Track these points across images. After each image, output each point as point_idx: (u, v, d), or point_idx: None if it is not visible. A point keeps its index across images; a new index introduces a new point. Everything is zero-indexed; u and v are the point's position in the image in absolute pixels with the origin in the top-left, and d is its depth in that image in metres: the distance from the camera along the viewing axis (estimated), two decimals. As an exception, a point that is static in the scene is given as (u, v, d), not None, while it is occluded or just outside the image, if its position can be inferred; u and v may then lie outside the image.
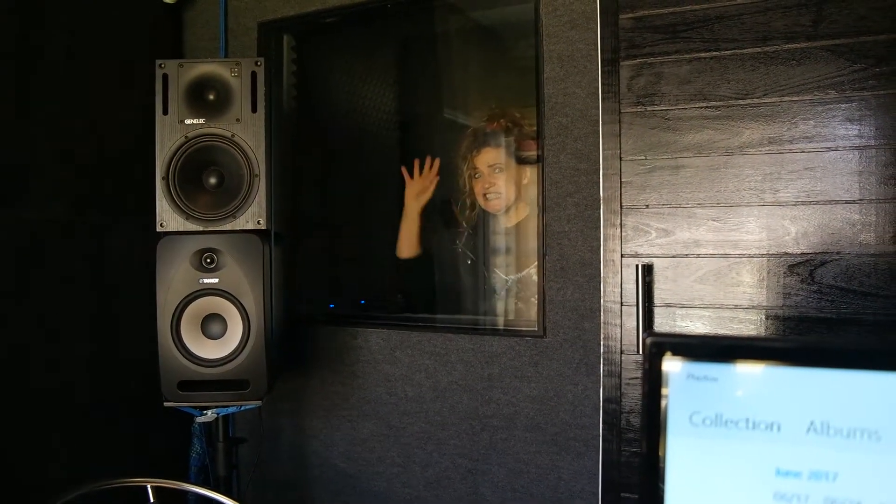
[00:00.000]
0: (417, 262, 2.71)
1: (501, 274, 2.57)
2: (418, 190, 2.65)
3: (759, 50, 1.83)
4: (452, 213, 2.72)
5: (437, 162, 2.64)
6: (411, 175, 2.66)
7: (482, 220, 2.63)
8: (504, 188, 2.52)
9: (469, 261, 2.66)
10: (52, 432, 2.20)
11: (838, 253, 1.75)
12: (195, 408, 2.22)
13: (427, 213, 2.68)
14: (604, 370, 2.02)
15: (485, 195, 2.55)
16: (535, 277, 2.42)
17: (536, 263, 2.26)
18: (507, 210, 2.55)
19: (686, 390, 0.79)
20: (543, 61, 2.18)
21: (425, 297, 2.79)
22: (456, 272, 2.70)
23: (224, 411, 2.26)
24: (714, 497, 0.80)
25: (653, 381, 0.80)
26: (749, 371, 0.78)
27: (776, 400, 0.76)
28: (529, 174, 2.48)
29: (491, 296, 2.60)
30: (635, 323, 1.96)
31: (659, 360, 0.79)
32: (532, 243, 2.35)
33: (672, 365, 0.79)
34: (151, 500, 1.79)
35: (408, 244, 2.69)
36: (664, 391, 0.80)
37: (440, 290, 2.76)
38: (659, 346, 0.79)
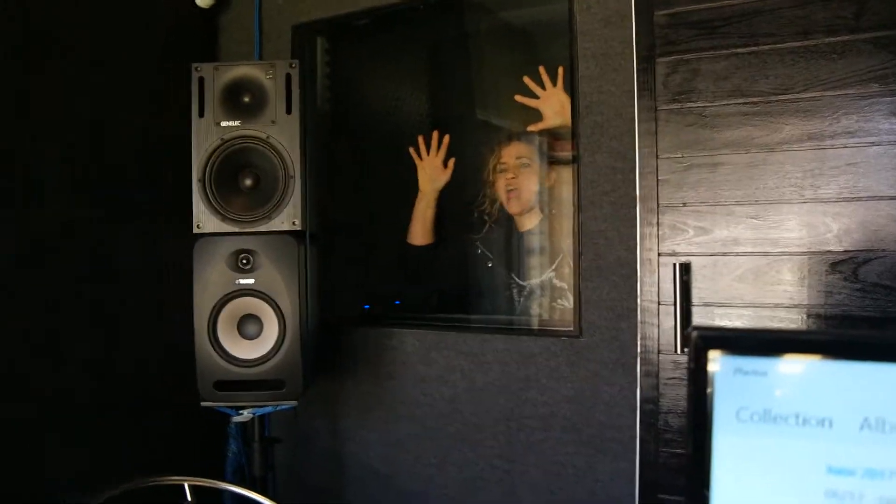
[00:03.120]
0: (430, 250, 2.66)
1: (518, 279, 2.54)
2: (432, 172, 2.60)
3: (798, 44, 1.79)
4: (474, 214, 2.65)
5: (446, 139, 2.59)
6: (419, 155, 2.62)
7: (503, 222, 2.59)
8: (525, 188, 2.48)
9: (489, 263, 2.61)
10: (85, 432, 2.21)
11: (883, 250, 1.71)
12: (231, 408, 2.23)
13: (445, 204, 2.64)
14: (641, 370, 2.00)
15: (507, 191, 2.49)
16: (554, 282, 2.39)
17: (553, 267, 2.22)
18: (522, 213, 2.51)
19: (733, 385, 0.77)
20: (578, 60, 2.17)
21: (438, 292, 2.76)
22: (473, 273, 2.66)
23: (260, 411, 2.27)
24: (762, 495, 0.78)
25: (698, 375, 0.78)
26: (799, 365, 0.76)
27: (828, 395, 0.74)
28: (556, 175, 2.45)
29: (510, 300, 2.55)
30: (673, 322, 1.93)
31: (705, 354, 0.78)
32: (546, 246, 2.31)
33: (719, 359, 0.78)
34: (189, 499, 1.80)
35: (422, 231, 2.64)
36: (710, 387, 0.78)
37: (458, 289, 2.72)
38: (705, 339, 0.77)
